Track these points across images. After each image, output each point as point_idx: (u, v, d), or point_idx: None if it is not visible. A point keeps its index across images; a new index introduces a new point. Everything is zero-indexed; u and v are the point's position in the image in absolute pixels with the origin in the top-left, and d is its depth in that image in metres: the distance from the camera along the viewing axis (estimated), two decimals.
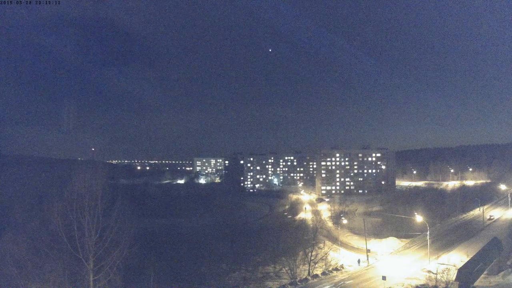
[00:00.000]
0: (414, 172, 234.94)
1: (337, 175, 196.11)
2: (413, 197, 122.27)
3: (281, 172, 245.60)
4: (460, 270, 49.49)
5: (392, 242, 77.39)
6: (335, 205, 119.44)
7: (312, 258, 63.16)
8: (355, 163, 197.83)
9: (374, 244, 75.54)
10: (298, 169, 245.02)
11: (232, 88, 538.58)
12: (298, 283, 57.04)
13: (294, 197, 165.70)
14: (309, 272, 60.97)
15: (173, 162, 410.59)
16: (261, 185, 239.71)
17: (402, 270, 57.91)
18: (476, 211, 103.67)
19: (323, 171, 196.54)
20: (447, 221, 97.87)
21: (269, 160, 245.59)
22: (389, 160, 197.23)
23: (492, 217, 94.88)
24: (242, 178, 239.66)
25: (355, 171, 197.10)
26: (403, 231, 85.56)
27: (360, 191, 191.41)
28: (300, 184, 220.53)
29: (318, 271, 62.06)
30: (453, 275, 49.29)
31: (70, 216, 37.49)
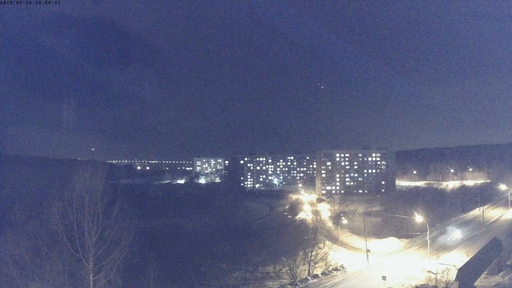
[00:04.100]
0: (414, 172, 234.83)
1: (337, 175, 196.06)
2: (413, 197, 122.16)
3: (281, 172, 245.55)
4: (460, 270, 49.44)
5: (392, 242, 77.35)
6: (335, 205, 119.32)
7: (312, 258, 63.14)
8: (355, 163, 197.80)
9: (374, 244, 75.50)
10: (298, 169, 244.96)
11: (232, 88, 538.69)
12: (298, 283, 57.01)
13: (294, 197, 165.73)
14: (309, 272, 60.97)
15: (173, 162, 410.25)
16: (261, 185, 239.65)
17: (402, 270, 57.93)
18: (476, 211, 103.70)
19: (323, 171, 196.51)
20: (447, 221, 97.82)
21: (269, 160, 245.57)
22: (389, 160, 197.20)
23: None
24: (242, 178, 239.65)
25: (355, 171, 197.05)
26: (403, 231, 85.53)
27: (360, 191, 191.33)
28: (300, 184, 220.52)
29: (318, 271, 62.04)
30: (453, 275, 49.26)
31: (70, 216, 37.52)
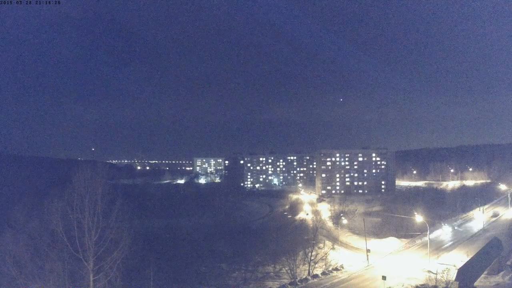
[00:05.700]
0: (414, 172, 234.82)
1: (337, 175, 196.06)
2: (413, 197, 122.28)
3: (281, 172, 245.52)
4: (460, 270, 49.42)
5: (392, 242, 77.32)
6: (335, 205, 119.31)
7: (312, 258, 63.12)
8: (355, 163, 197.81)
9: (374, 244, 75.47)
10: (298, 169, 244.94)
11: (232, 88, 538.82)
12: (298, 283, 57.00)
13: (294, 197, 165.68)
14: (309, 272, 60.95)
15: (173, 162, 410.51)
16: (261, 185, 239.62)
17: (402, 270, 57.90)
18: (476, 211, 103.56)
19: (323, 171, 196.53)
20: (447, 221, 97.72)
21: (269, 160, 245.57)
22: (389, 160, 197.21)
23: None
24: (242, 178, 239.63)
25: (355, 171, 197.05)
26: (403, 231, 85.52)
27: (360, 191, 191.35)
28: (300, 184, 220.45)
29: (318, 271, 62.03)
30: (453, 275, 49.23)
31: (70, 216, 37.49)
